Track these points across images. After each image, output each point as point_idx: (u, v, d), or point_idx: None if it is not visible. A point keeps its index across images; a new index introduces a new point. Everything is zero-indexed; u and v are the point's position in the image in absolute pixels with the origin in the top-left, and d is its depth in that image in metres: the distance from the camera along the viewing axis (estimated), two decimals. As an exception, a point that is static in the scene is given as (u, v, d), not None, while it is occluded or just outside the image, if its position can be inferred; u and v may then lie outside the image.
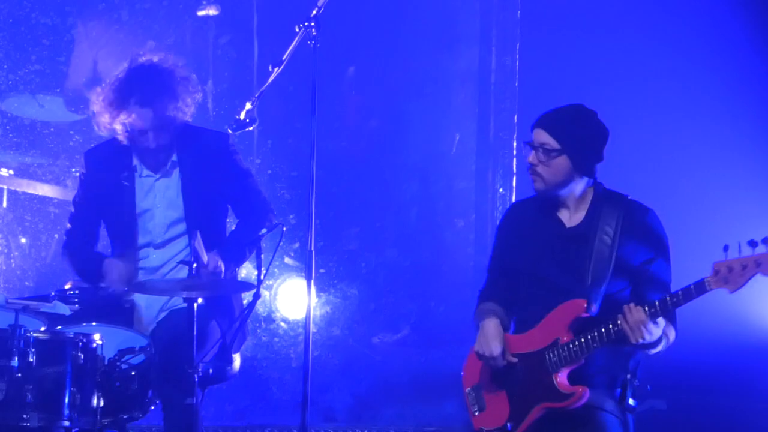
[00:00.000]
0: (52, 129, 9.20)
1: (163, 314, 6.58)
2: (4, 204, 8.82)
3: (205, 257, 6.28)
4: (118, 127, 6.55)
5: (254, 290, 6.11)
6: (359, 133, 9.54)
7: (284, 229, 6.29)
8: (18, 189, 8.83)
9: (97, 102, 6.58)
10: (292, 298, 9.19)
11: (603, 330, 5.69)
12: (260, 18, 9.20)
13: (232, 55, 9.36)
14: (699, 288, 5.55)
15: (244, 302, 6.53)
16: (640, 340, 5.63)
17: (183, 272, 6.34)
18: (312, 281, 6.20)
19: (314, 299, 6.52)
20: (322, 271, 9.16)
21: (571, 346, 5.74)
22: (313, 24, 6.35)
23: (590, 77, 8.65)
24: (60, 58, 9.21)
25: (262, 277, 6.07)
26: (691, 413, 8.34)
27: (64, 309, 6.39)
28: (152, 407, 6.15)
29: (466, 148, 9.57)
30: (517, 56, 9.35)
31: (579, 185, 5.94)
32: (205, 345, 6.32)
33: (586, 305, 5.74)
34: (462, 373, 6.10)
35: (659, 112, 8.69)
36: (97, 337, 5.91)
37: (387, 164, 9.49)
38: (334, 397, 8.93)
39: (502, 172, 9.36)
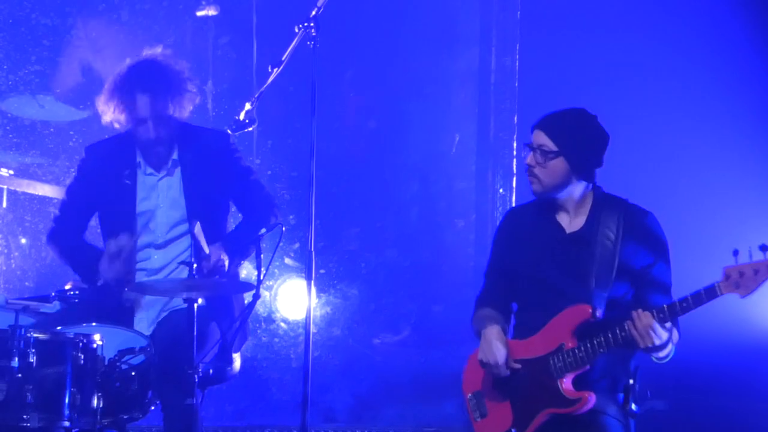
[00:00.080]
0: (52, 129, 9.20)
1: (164, 314, 6.57)
2: (4, 204, 8.82)
3: (206, 248, 6.29)
4: (119, 116, 6.55)
5: (254, 291, 6.12)
6: (359, 133, 9.54)
7: (284, 229, 6.29)
8: (18, 189, 8.82)
9: (103, 92, 6.60)
10: (292, 299, 9.19)
11: (610, 335, 5.67)
12: (259, 18, 9.20)
13: (231, 56, 9.37)
14: (709, 293, 5.52)
15: (245, 302, 6.53)
16: (649, 345, 5.61)
17: (184, 273, 6.34)
18: (312, 282, 6.20)
19: (314, 300, 6.52)
20: (322, 271, 9.16)
21: (576, 351, 5.71)
22: (312, 24, 6.35)
23: (590, 78, 8.64)
24: (60, 58, 9.21)
25: (261, 278, 6.07)
26: (691, 413, 8.33)
27: (51, 307, 6.42)
28: (152, 408, 6.15)
29: (466, 149, 9.57)
30: (517, 56, 9.35)
31: (577, 189, 5.92)
32: (205, 345, 6.32)
33: (591, 310, 5.73)
34: (462, 378, 6.07)
35: (660, 113, 8.68)
36: (97, 337, 5.91)
37: (387, 164, 9.50)
38: (335, 398, 8.93)
39: (502, 173, 9.35)
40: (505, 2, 9.36)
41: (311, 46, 6.35)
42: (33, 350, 5.74)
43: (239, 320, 6.41)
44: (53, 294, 6.74)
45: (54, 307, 6.55)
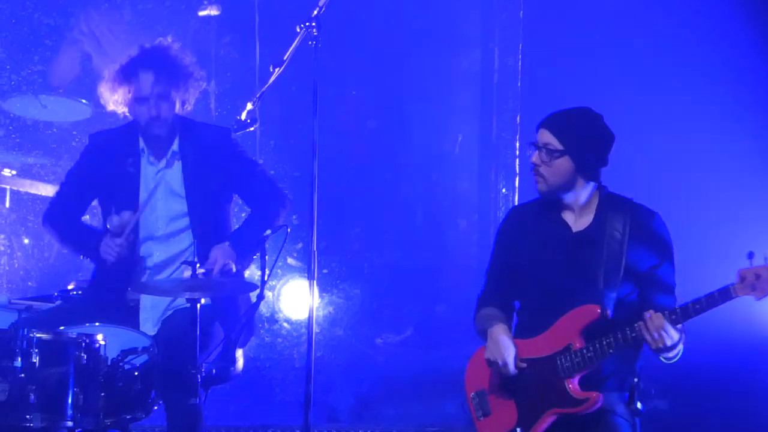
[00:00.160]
0: (54, 129, 9.21)
1: (168, 313, 6.57)
2: (7, 204, 8.83)
3: (212, 257, 6.29)
4: (121, 97, 6.55)
5: (258, 291, 6.11)
6: (361, 133, 9.55)
7: (288, 230, 6.29)
8: (21, 189, 8.83)
9: (106, 75, 6.61)
10: (294, 299, 9.20)
11: (620, 335, 5.65)
12: (262, 18, 9.20)
13: (233, 56, 9.37)
14: (724, 295, 5.51)
15: (252, 299, 6.53)
16: (661, 346, 5.60)
17: (188, 272, 6.32)
18: (315, 282, 6.20)
19: (317, 300, 6.51)
20: (324, 271, 9.16)
21: (585, 351, 5.70)
22: (314, 24, 6.35)
23: (593, 78, 8.64)
24: (62, 57, 9.22)
25: (265, 278, 6.07)
26: (692, 413, 8.33)
27: (55, 307, 6.42)
28: (155, 407, 6.15)
29: (468, 149, 9.58)
30: (520, 57, 9.35)
31: (582, 188, 5.90)
32: (208, 345, 6.32)
33: (600, 311, 5.72)
34: (464, 378, 6.04)
35: (664, 112, 8.67)
36: (99, 337, 5.91)
37: (389, 164, 9.50)
38: (337, 398, 8.93)
39: (504, 173, 9.35)
40: (508, 2, 9.37)
41: (313, 45, 6.35)
42: (36, 350, 5.74)
43: (245, 317, 6.40)
44: (56, 294, 6.75)
45: (57, 307, 6.55)
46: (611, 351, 5.67)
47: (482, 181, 9.45)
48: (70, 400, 5.76)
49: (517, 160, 9.29)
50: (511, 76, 9.38)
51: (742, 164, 8.39)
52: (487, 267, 6.16)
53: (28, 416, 5.70)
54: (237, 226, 6.74)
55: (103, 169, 6.65)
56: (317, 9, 6.39)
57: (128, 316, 6.47)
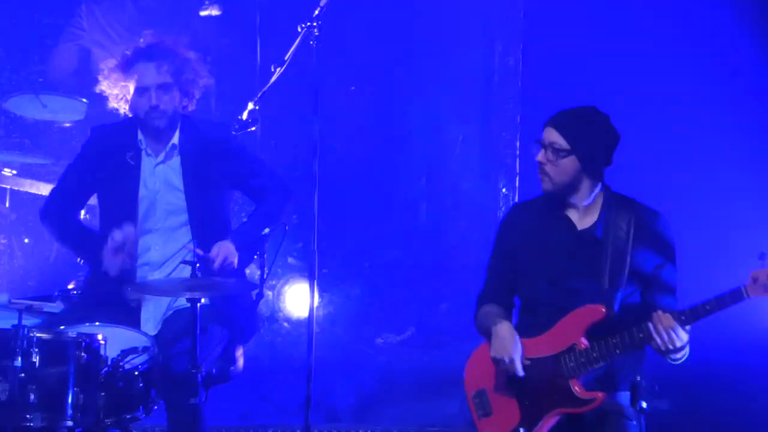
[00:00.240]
0: (55, 129, 9.20)
1: (169, 313, 6.56)
2: (7, 204, 8.83)
3: (214, 250, 6.28)
4: (121, 88, 6.54)
5: (257, 290, 6.11)
6: (362, 132, 9.54)
7: (287, 228, 6.29)
8: (21, 189, 8.83)
9: (106, 68, 6.60)
10: (295, 298, 9.19)
11: (627, 336, 5.65)
12: (263, 18, 9.20)
13: (234, 56, 9.37)
14: (735, 296, 5.51)
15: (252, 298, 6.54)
16: (670, 347, 5.60)
17: (187, 271, 6.33)
18: (315, 281, 6.20)
19: (317, 299, 6.52)
20: (325, 271, 9.14)
21: (590, 351, 5.68)
22: (315, 24, 6.35)
23: (593, 78, 8.63)
24: (61, 57, 9.22)
25: (265, 277, 6.07)
26: (693, 413, 8.32)
27: (55, 307, 6.41)
28: (155, 407, 6.15)
29: (469, 148, 9.57)
30: (521, 56, 9.34)
31: (587, 187, 5.87)
32: (209, 345, 6.32)
33: (605, 310, 5.71)
34: (464, 376, 6.01)
35: (664, 112, 8.67)
36: (100, 337, 5.91)
37: (390, 164, 9.50)
38: (338, 398, 8.92)
39: (505, 173, 9.35)
40: (509, 2, 9.36)
41: (314, 45, 6.35)
42: (36, 350, 5.74)
43: (246, 314, 6.40)
44: (56, 293, 6.75)
45: (57, 306, 6.55)
46: (618, 351, 5.66)
47: (483, 181, 9.45)
48: (70, 400, 5.76)
49: (518, 159, 9.28)
50: (511, 76, 9.38)
51: (751, 164, 8.37)
52: (488, 263, 6.13)
53: (28, 416, 5.69)
54: (237, 225, 6.74)
55: (104, 162, 6.64)
56: (318, 9, 6.40)
57: (129, 316, 6.47)
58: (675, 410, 8.32)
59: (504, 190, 9.32)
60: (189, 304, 5.95)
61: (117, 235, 6.42)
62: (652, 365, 5.89)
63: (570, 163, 5.81)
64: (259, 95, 6.62)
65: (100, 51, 9.10)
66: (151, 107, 6.50)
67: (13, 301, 6.22)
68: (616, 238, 5.80)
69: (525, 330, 5.88)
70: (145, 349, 6.00)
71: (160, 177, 6.59)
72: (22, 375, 5.70)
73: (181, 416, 6.12)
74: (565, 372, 5.72)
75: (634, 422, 5.76)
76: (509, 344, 5.79)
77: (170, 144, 6.60)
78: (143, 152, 6.60)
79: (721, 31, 8.53)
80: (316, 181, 6.23)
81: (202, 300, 5.93)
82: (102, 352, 5.88)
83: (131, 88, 6.52)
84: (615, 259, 5.78)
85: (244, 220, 6.70)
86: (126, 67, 6.53)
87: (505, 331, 5.83)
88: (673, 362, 5.70)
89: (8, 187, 8.75)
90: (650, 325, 5.59)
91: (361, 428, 8.64)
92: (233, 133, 6.66)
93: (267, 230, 6.29)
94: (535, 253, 5.91)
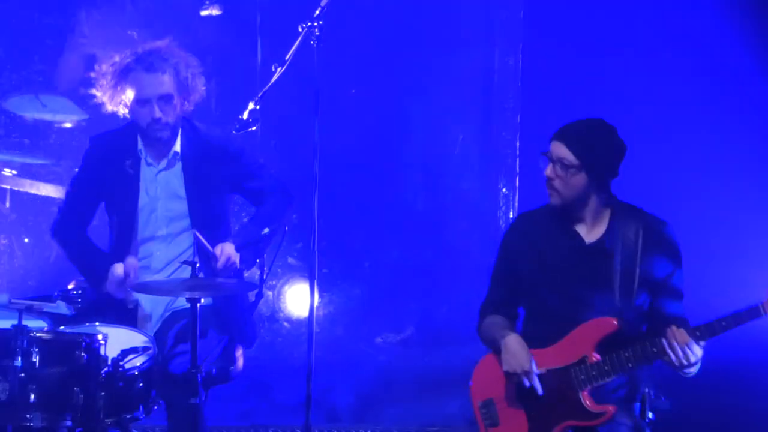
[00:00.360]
0: (54, 129, 9.20)
1: (168, 314, 6.57)
2: (8, 204, 8.82)
3: (217, 250, 6.28)
4: (120, 98, 6.52)
5: (257, 290, 6.11)
6: (362, 132, 9.53)
7: (287, 228, 6.29)
8: (21, 189, 8.83)
9: (103, 77, 6.57)
10: (295, 298, 9.19)
11: (640, 350, 5.64)
12: (263, 18, 9.19)
13: (234, 55, 9.36)
14: (752, 313, 5.53)
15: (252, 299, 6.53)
16: (684, 363, 5.59)
17: (188, 272, 6.32)
18: (315, 281, 6.20)
19: (317, 299, 6.51)
20: (325, 271, 9.15)
21: (602, 364, 5.67)
22: (315, 24, 6.35)
23: (593, 78, 8.62)
24: (61, 57, 9.21)
25: (264, 277, 6.07)
26: (695, 413, 8.31)
27: (66, 309, 6.40)
28: (155, 407, 6.15)
29: (469, 149, 9.57)
30: (521, 56, 9.34)
31: (595, 201, 5.83)
32: (208, 345, 6.31)
33: (617, 323, 5.68)
34: (470, 384, 5.97)
35: (666, 112, 8.65)
36: (100, 337, 5.91)
37: (390, 164, 9.49)
38: (338, 397, 8.92)
39: (505, 173, 9.34)
40: (509, 2, 9.36)
41: (315, 45, 6.35)
42: (36, 350, 5.74)
43: (246, 317, 6.39)
44: (56, 293, 6.75)
45: (59, 307, 6.55)
46: (630, 365, 5.64)
47: (483, 181, 9.44)
48: (70, 400, 5.75)
49: (518, 159, 9.28)
50: (511, 76, 9.37)
51: (759, 169, 8.35)
52: (492, 273, 6.08)
53: (28, 416, 5.70)
54: (237, 227, 6.74)
55: (104, 171, 6.64)
56: (319, 9, 6.40)
57: (128, 316, 6.47)
58: (674, 410, 8.31)
59: (504, 190, 9.31)
60: (188, 305, 5.95)
61: (118, 269, 6.41)
62: (652, 367, 5.87)
63: (580, 179, 5.76)
64: (259, 95, 6.61)
65: (103, 54, 9.08)
66: (154, 119, 6.48)
67: (13, 301, 6.22)
68: (625, 249, 5.76)
69: (531, 341, 5.84)
70: (145, 348, 6.01)
71: (162, 184, 6.59)
72: (22, 375, 5.70)
73: (181, 416, 6.12)
74: (575, 385, 5.69)
75: None
76: (522, 358, 5.74)
77: (172, 152, 6.60)
78: (143, 161, 6.59)
79: (721, 30, 8.52)
80: (316, 181, 6.22)
81: (202, 300, 5.93)
82: (102, 352, 5.88)
83: (130, 94, 6.49)
84: (625, 270, 5.75)
85: (245, 221, 6.70)
86: (122, 75, 6.49)
87: (515, 344, 5.78)
88: (684, 375, 5.68)
89: (8, 187, 8.75)
90: (664, 340, 5.56)
91: (361, 428, 8.65)
92: (234, 132, 6.64)
93: (267, 230, 6.28)
94: (543, 266, 5.88)
